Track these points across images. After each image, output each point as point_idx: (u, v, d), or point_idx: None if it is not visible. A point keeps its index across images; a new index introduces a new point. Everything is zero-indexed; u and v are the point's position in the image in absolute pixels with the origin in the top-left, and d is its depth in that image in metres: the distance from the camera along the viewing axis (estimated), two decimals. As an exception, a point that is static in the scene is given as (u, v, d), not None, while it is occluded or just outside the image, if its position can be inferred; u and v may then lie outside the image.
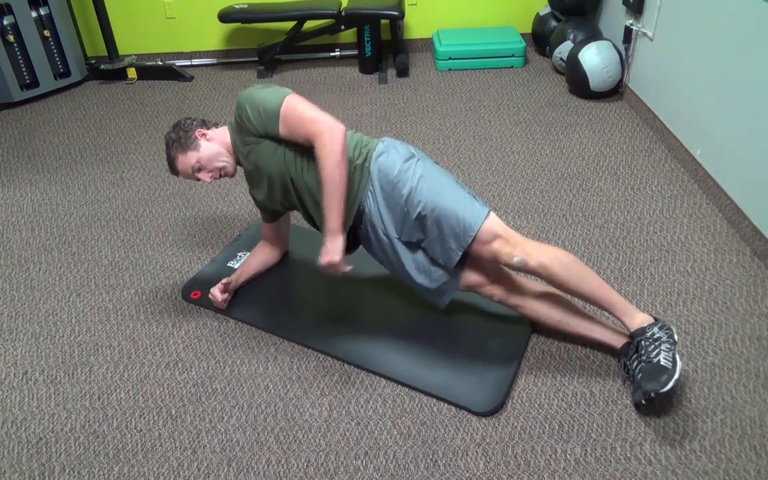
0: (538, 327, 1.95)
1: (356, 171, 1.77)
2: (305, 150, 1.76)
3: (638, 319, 1.68)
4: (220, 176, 1.90)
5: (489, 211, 1.70)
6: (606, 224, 2.44)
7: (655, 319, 1.69)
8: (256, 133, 1.78)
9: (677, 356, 1.59)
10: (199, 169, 1.88)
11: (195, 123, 1.89)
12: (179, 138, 1.87)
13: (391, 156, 1.77)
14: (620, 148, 3.00)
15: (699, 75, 2.66)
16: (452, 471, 1.56)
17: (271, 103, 1.72)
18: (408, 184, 1.72)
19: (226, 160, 1.88)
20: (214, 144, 1.87)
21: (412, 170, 1.74)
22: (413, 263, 1.80)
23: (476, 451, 1.60)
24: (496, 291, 1.82)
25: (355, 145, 1.80)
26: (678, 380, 1.56)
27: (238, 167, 1.95)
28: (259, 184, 1.91)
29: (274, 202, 1.95)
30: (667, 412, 1.66)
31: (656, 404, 1.66)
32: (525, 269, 1.67)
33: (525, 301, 1.82)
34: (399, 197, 1.73)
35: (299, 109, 1.71)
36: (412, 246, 1.78)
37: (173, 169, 1.91)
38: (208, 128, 1.90)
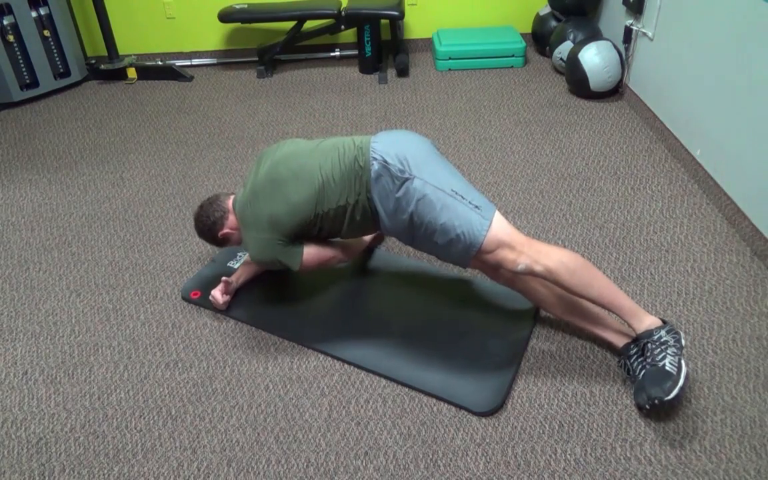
0: (538, 325, 1.95)
1: (355, 207, 1.80)
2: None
3: (646, 321, 1.67)
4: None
5: (491, 220, 1.67)
6: (606, 224, 2.44)
7: (664, 321, 1.67)
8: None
9: (683, 362, 1.59)
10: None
11: (217, 221, 1.98)
12: (212, 238, 2.02)
13: (386, 184, 1.74)
14: (620, 148, 3.00)
15: (699, 75, 2.66)
16: (452, 471, 1.56)
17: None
18: (407, 210, 1.71)
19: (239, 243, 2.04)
20: (231, 235, 2.00)
21: (409, 195, 1.70)
22: (430, 249, 1.81)
23: (476, 451, 1.60)
24: (502, 276, 1.87)
25: (352, 182, 1.77)
26: (683, 388, 1.55)
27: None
28: None
29: None
30: (667, 413, 1.66)
31: (659, 411, 1.65)
32: (531, 275, 1.67)
33: (529, 289, 1.86)
34: (402, 222, 1.75)
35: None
36: (426, 244, 1.80)
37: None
38: (226, 218, 1.98)
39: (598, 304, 1.70)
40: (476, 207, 1.69)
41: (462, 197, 1.69)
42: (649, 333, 1.65)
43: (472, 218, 1.67)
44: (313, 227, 1.84)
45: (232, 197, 2.01)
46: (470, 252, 1.68)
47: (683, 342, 1.63)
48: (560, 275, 1.63)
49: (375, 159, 1.75)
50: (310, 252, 1.88)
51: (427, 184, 1.70)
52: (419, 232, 1.73)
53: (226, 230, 1.97)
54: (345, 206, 1.79)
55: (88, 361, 1.95)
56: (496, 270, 1.87)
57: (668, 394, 1.53)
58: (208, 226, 1.97)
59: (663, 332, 1.64)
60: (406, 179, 1.71)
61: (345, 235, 1.91)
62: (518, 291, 1.88)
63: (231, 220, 1.97)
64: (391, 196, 1.73)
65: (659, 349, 1.61)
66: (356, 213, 1.80)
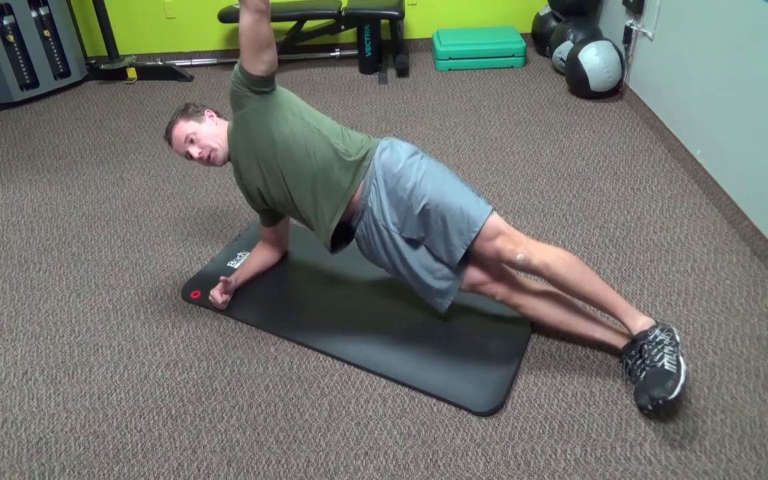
0: (538, 327, 1.95)
1: (350, 167, 1.78)
2: (289, 138, 1.78)
3: (640, 321, 1.68)
4: (208, 159, 1.91)
5: (492, 210, 1.71)
6: (606, 224, 2.44)
7: (656, 322, 1.68)
8: (240, 92, 1.77)
9: (681, 358, 1.59)
10: (192, 142, 1.90)
11: (208, 107, 1.98)
12: (187, 108, 1.94)
13: (396, 151, 1.79)
14: (620, 148, 3.00)
15: (699, 75, 2.66)
16: (452, 471, 1.56)
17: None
18: (412, 178, 1.72)
19: (220, 144, 1.90)
20: (218, 127, 1.93)
21: (417, 165, 1.75)
22: (416, 260, 1.80)
23: (476, 451, 1.60)
24: (498, 290, 1.81)
25: (354, 143, 1.82)
26: (685, 385, 1.56)
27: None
28: (250, 174, 1.89)
29: (267, 192, 1.92)
30: (668, 413, 1.66)
31: (662, 411, 1.65)
32: (527, 268, 1.67)
33: (527, 301, 1.81)
34: (402, 191, 1.73)
35: None
36: (414, 243, 1.79)
37: (168, 134, 1.95)
38: (219, 116, 1.98)
39: (592, 302, 1.71)
40: (478, 196, 1.74)
41: (466, 184, 1.76)
42: (644, 334, 1.66)
43: (477, 200, 1.71)
44: (293, 117, 1.79)
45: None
46: (470, 230, 1.67)
47: (678, 338, 1.63)
48: (557, 269, 1.65)
49: (385, 139, 1.84)
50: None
51: (436, 164, 1.79)
52: (417, 207, 1.70)
53: (213, 115, 1.95)
54: (334, 149, 1.77)
55: (88, 361, 1.95)
56: (493, 282, 1.81)
57: (671, 393, 1.53)
58: (196, 103, 1.97)
59: (657, 331, 1.64)
60: (417, 152, 1.80)
61: (298, 183, 1.81)
62: (514, 307, 1.84)
63: (223, 122, 1.95)
64: (399, 163, 1.75)
65: (656, 349, 1.62)
66: (338, 167, 1.77)
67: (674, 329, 1.65)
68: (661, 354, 1.60)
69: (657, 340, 1.63)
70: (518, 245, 1.66)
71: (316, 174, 1.78)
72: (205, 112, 1.95)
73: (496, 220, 1.69)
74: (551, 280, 1.69)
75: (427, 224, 1.73)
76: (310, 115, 1.83)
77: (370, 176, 1.78)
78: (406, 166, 1.74)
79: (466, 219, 1.67)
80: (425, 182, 1.71)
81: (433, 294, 1.83)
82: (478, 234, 1.67)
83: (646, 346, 1.64)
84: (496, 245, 1.67)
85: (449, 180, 1.74)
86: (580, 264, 1.69)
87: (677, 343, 1.62)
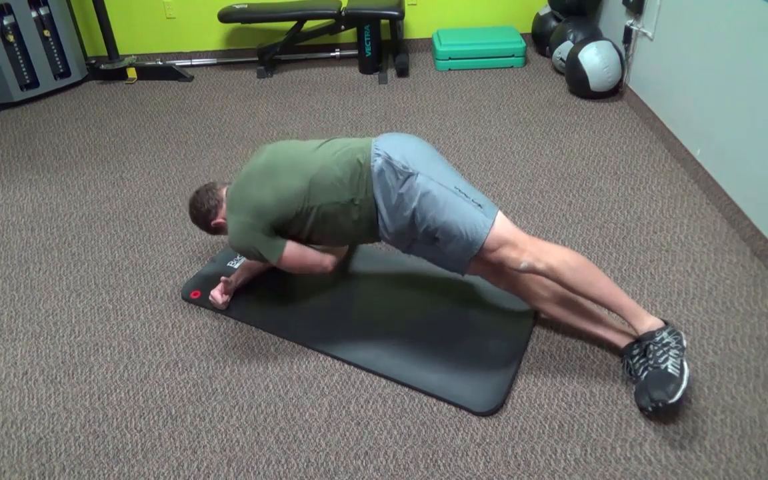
0: (539, 322, 1.95)
1: (361, 207, 1.77)
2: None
3: (648, 322, 1.67)
4: None
5: (494, 218, 1.68)
6: (606, 224, 2.44)
7: (665, 322, 1.67)
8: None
9: (685, 363, 1.59)
10: None
11: (211, 210, 1.98)
12: (205, 225, 2.02)
13: (389, 179, 1.73)
14: (620, 148, 3.00)
15: (699, 75, 2.66)
16: (452, 471, 1.56)
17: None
18: (410, 206, 1.71)
19: None
20: (222, 226, 1.99)
21: (412, 190, 1.70)
22: (428, 251, 1.83)
23: (476, 451, 1.60)
24: (502, 281, 1.86)
25: (351, 178, 1.76)
26: (686, 390, 1.56)
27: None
28: None
29: None
30: (668, 413, 1.66)
31: (662, 413, 1.65)
32: (533, 272, 1.67)
33: (530, 292, 1.84)
34: (403, 219, 1.74)
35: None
36: (423, 246, 1.82)
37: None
38: (219, 207, 1.98)
39: (599, 304, 1.70)
40: (479, 206, 1.70)
41: (465, 196, 1.71)
42: (650, 334, 1.65)
43: (475, 216, 1.68)
44: (301, 223, 1.82)
45: (226, 187, 2.01)
46: (471, 250, 1.68)
47: (685, 343, 1.63)
48: (562, 273, 1.64)
49: (378, 155, 1.75)
50: (293, 250, 1.85)
51: (432, 180, 1.70)
52: (420, 230, 1.72)
53: (219, 220, 1.97)
54: (341, 204, 1.78)
55: (88, 361, 1.95)
56: (497, 274, 1.86)
57: (671, 397, 1.53)
58: (202, 213, 1.98)
59: (665, 333, 1.63)
60: (410, 174, 1.71)
61: (335, 240, 1.90)
62: (519, 295, 1.87)
63: (224, 209, 1.96)
64: (394, 193, 1.72)
65: (661, 351, 1.61)
66: (353, 213, 1.78)
67: (682, 334, 1.64)
68: (665, 356, 1.60)
69: (663, 341, 1.62)
70: (522, 253, 1.65)
71: (343, 234, 1.86)
72: (213, 226, 2.00)
73: (498, 230, 1.67)
74: (557, 282, 1.68)
75: (431, 240, 1.75)
76: (308, 193, 1.78)
77: (372, 198, 1.78)
78: (401, 197, 1.71)
79: (465, 238, 1.67)
80: (423, 206, 1.69)
81: (448, 266, 1.86)
82: (480, 249, 1.68)
83: (651, 346, 1.64)
84: (499, 255, 1.68)
85: (448, 197, 1.68)
86: (587, 265, 1.67)
87: (683, 348, 1.62)
